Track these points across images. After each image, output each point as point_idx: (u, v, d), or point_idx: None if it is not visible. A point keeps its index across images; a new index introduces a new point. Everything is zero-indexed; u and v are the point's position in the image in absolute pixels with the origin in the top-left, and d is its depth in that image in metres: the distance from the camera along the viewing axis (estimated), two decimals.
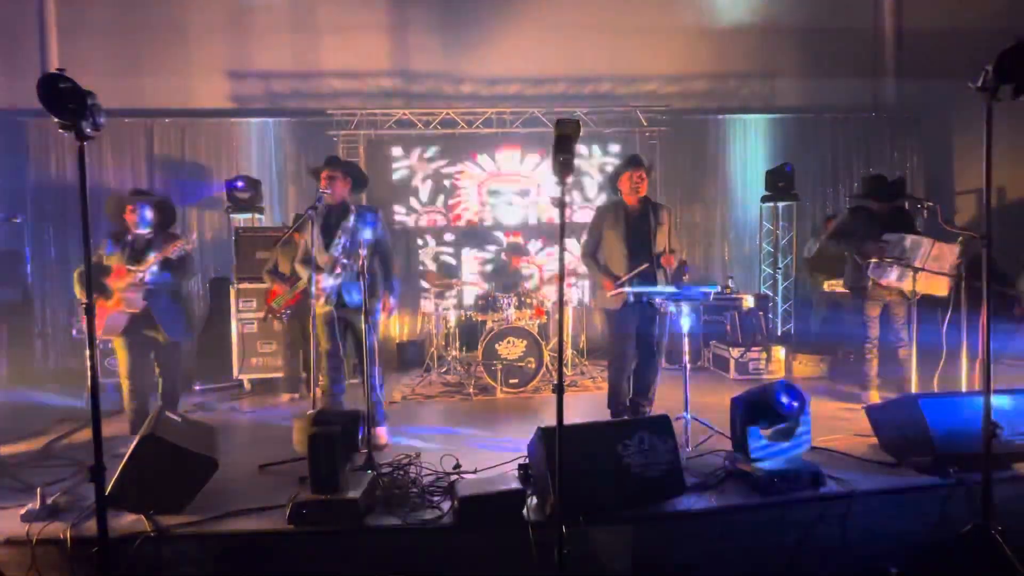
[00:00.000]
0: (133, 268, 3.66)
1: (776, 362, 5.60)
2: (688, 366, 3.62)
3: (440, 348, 6.09)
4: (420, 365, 6.25)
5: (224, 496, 2.81)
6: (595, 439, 2.70)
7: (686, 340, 3.63)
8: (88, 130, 2.06)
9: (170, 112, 7.01)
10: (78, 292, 3.76)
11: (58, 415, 4.37)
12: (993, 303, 2.40)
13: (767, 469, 2.77)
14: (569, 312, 6.29)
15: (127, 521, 2.57)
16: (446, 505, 2.68)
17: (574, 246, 6.98)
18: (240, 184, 6.24)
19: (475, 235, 7.36)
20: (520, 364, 5.11)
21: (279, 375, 5.44)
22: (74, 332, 5.86)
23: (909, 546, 2.69)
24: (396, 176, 7.30)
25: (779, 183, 6.73)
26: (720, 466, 3.03)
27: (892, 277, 4.04)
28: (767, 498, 2.73)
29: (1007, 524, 2.32)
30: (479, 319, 5.71)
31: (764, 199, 6.95)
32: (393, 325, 7.13)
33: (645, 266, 3.70)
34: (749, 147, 7.52)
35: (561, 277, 2.27)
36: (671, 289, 3.65)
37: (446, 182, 7.32)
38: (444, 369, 5.92)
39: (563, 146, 2.08)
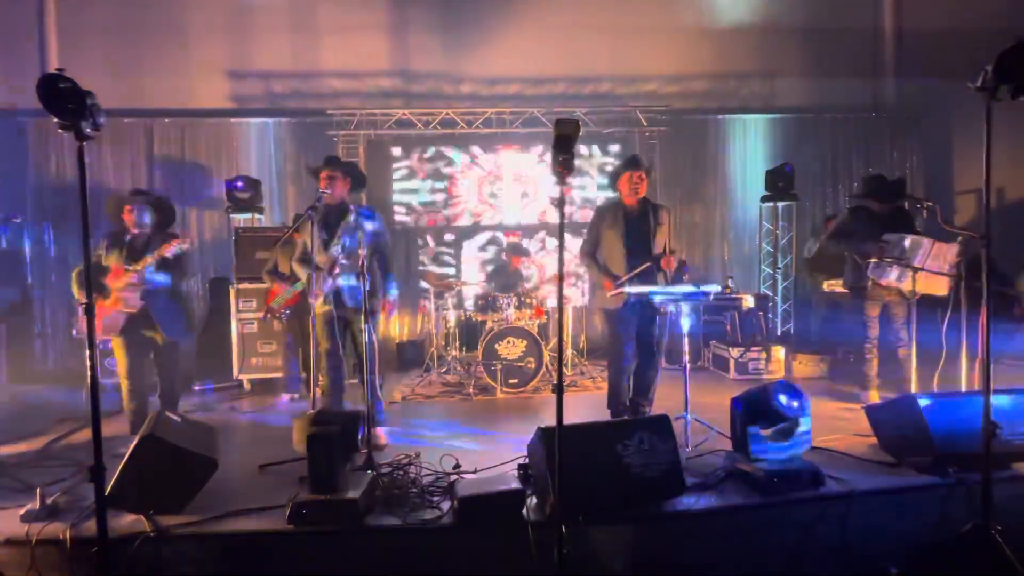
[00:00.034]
0: (130, 267, 3.66)
1: (776, 362, 5.60)
2: (688, 366, 3.62)
3: (440, 348, 6.09)
4: (420, 365, 6.26)
5: (224, 496, 2.81)
6: (595, 439, 2.70)
7: (686, 340, 3.63)
8: (88, 130, 2.06)
9: (170, 112, 7.01)
10: (76, 292, 3.75)
11: (58, 415, 4.37)
12: (993, 303, 2.40)
13: (767, 469, 2.77)
14: (569, 312, 6.29)
15: (127, 521, 2.57)
16: (446, 505, 2.68)
17: (574, 246, 6.98)
18: (240, 184, 6.24)
19: (475, 235, 7.36)
20: (520, 364, 5.11)
21: (279, 375, 5.44)
22: (74, 332, 5.86)
23: (909, 546, 2.69)
24: (396, 176, 7.30)
25: (779, 183, 6.73)
26: (720, 466, 3.03)
27: (892, 277, 4.04)
28: (767, 498, 2.72)
29: (1007, 524, 2.33)
30: (479, 319, 5.71)
31: (764, 199, 6.95)
32: (393, 325, 7.13)
33: (648, 264, 3.70)
34: (749, 147, 7.52)
35: (561, 277, 2.27)
36: (671, 289, 3.65)
37: (446, 182, 7.32)
38: (444, 369, 5.92)
39: (563, 146, 2.08)
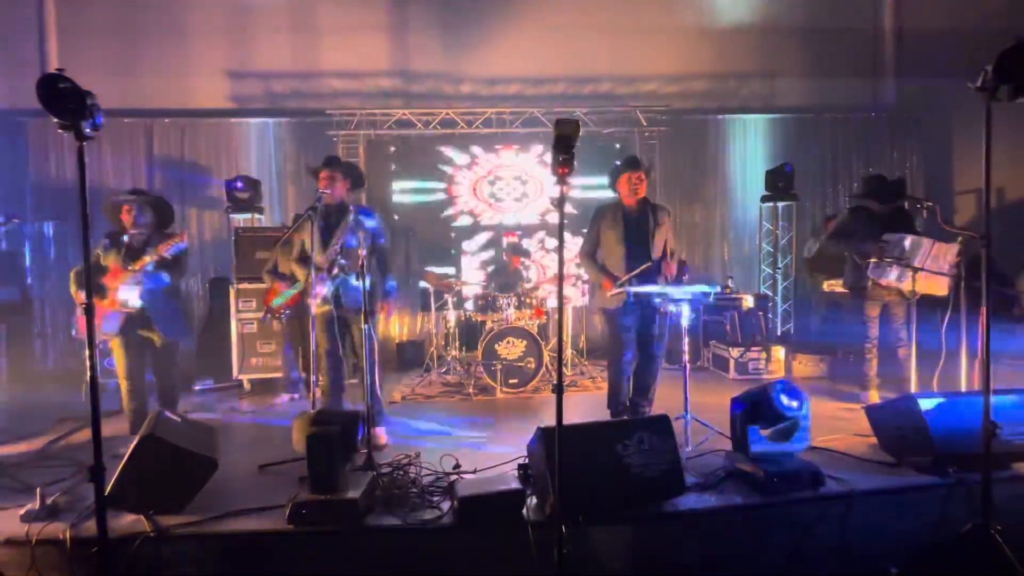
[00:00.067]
0: (128, 267, 3.66)
1: (776, 362, 5.60)
2: (688, 366, 3.62)
3: (440, 348, 6.09)
4: (420, 365, 6.26)
5: (224, 496, 2.81)
6: (595, 439, 2.70)
7: (686, 340, 3.63)
8: (87, 130, 2.06)
9: (170, 112, 7.01)
10: (74, 292, 3.74)
11: (58, 415, 4.37)
12: (993, 303, 2.40)
13: (767, 469, 2.77)
14: (569, 312, 6.29)
15: (127, 521, 2.57)
16: (446, 505, 2.68)
17: (574, 246, 6.97)
18: (240, 184, 6.24)
19: (475, 235, 7.36)
20: (520, 364, 5.11)
21: (279, 375, 5.44)
22: (73, 332, 5.86)
23: (909, 546, 2.69)
24: (395, 176, 7.29)
25: (779, 183, 6.73)
26: (720, 466, 3.03)
27: (892, 277, 4.04)
28: (767, 498, 2.72)
29: (1007, 524, 2.33)
30: (479, 319, 5.71)
31: (764, 199, 6.95)
32: (393, 325, 7.13)
33: (649, 264, 3.70)
34: (749, 147, 7.52)
35: (560, 276, 2.27)
36: (671, 289, 3.65)
37: (445, 182, 7.32)
38: (444, 369, 5.92)
39: (563, 146, 2.08)
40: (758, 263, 7.43)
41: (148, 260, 3.64)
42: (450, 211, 7.34)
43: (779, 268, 7.26)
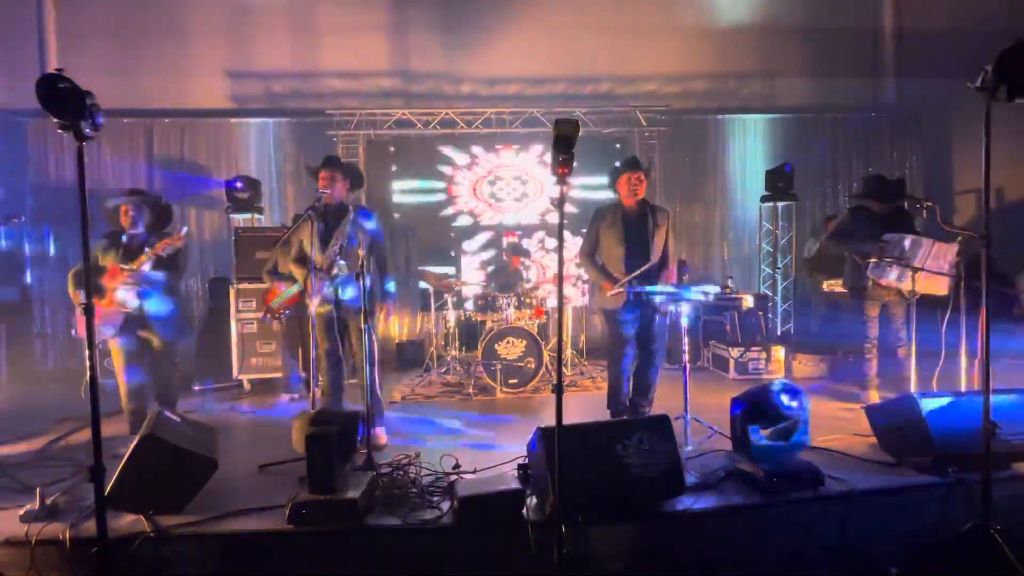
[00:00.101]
0: (126, 267, 3.65)
1: (776, 362, 5.60)
2: (688, 366, 3.62)
3: (440, 348, 6.09)
4: (420, 365, 6.26)
5: (224, 496, 2.81)
6: (594, 439, 2.69)
7: (686, 340, 3.63)
8: (87, 130, 2.06)
9: (169, 112, 7.01)
10: (72, 292, 3.73)
11: (58, 415, 4.37)
12: (992, 303, 2.40)
13: (767, 469, 2.77)
14: (569, 312, 6.29)
15: (126, 521, 2.57)
16: (445, 505, 2.68)
17: (575, 246, 6.97)
18: (239, 184, 6.24)
19: (475, 235, 7.36)
20: (520, 364, 5.11)
21: (278, 375, 5.44)
22: (73, 332, 5.85)
23: (909, 546, 2.69)
24: (395, 177, 7.30)
25: (779, 183, 6.73)
26: (720, 466, 3.03)
27: (892, 277, 4.04)
28: (767, 498, 2.72)
29: (1006, 523, 2.33)
30: (478, 319, 5.71)
31: (764, 199, 6.95)
32: (393, 325, 7.12)
33: (649, 265, 3.70)
34: (749, 147, 7.52)
35: (560, 276, 2.27)
36: (671, 289, 3.65)
37: (445, 182, 7.32)
38: (444, 369, 5.92)
39: (562, 146, 2.08)
40: (758, 263, 7.43)
41: (144, 260, 3.63)
42: (450, 211, 7.35)
43: (779, 268, 7.26)
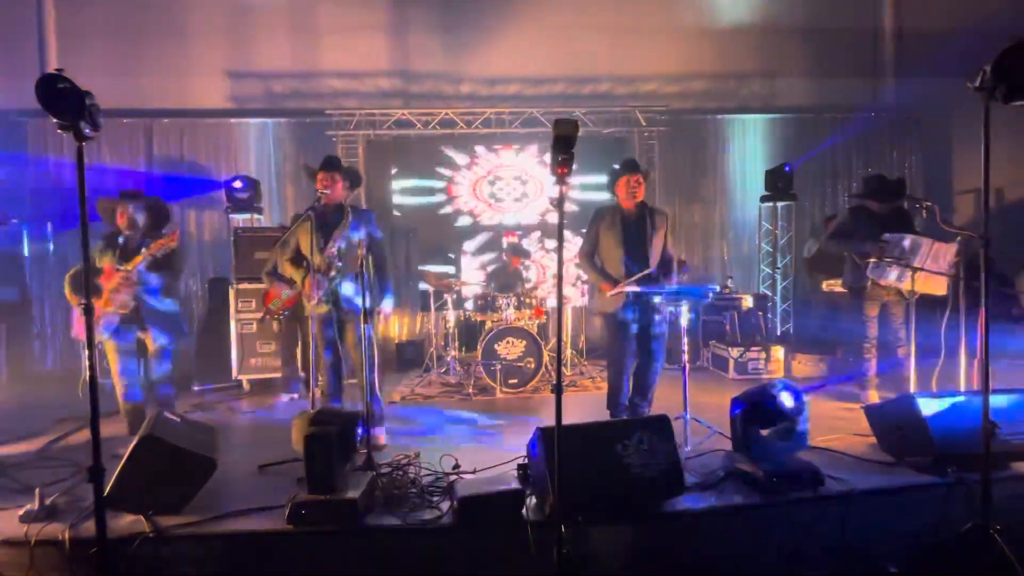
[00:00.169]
0: (121, 268, 3.64)
1: (775, 362, 5.60)
2: (687, 366, 3.62)
3: (439, 348, 6.09)
4: (419, 365, 6.26)
5: (223, 496, 2.81)
6: (594, 439, 2.69)
7: (685, 340, 3.64)
8: (87, 130, 2.06)
9: (169, 112, 7.01)
10: (68, 294, 3.71)
11: (57, 415, 4.37)
12: (992, 303, 2.40)
13: (767, 469, 2.77)
14: (568, 312, 6.29)
15: (126, 522, 2.57)
16: (445, 505, 2.67)
17: (575, 246, 6.98)
18: (239, 184, 6.24)
19: (474, 235, 7.36)
20: (519, 364, 5.11)
21: (278, 375, 5.44)
22: (72, 332, 5.85)
23: (909, 546, 2.69)
24: (395, 177, 7.30)
25: (778, 183, 6.73)
26: (720, 466, 3.03)
27: (891, 277, 4.04)
28: (767, 498, 2.72)
29: (1006, 523, 2.33)
30: (478, 319, 5.71)
31: (763, 199, 6.95)
32: (392, 325, 7.13)
33: (648, 271, 3.71)
34: (748, 147, 7.52)
35: (560, 276, 2.27)
36: (670, 288, 3.65)
37: (445, 182, 7.32)
38: (443, 369, 5.92)
39: (562, 146, 2.08)
40: (757, 263, 7.44)
41: (140, 260, 3.62)
42: (450, 211, 7.34)
43: (778, 268, 7.27)
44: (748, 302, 6.32)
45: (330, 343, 3.70)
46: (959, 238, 3.80)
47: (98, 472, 2.09)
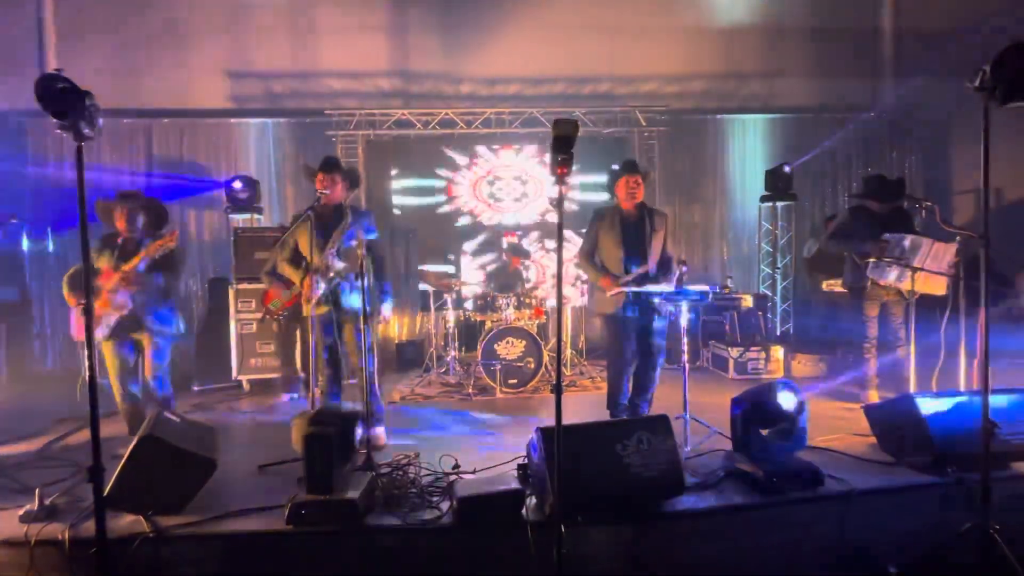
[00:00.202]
0: (119, 269, 3.62)
1: (775, 362, 5.61)
2: (687, 366, 3.62)
3: (439, 348, 6.09)
4: (419, 365, 6.26)
5: (223, 496, 2.81)
6: (594, 439, 2.69)
7: (685, 340, 3.64)
8: (86, 131, 2.06)
9: (169, 112, 7.00)
10: (66, 295, 3.71)
11: (57, 416, 4.36)
12: (991, 303, 2.40)
13: (767, 469, 2.77)
14: (568, 312, 6.29)
15: (126, 522, 2.57)
16: (445, 505, 2.67)
17: (574, 246, 6.97)
18: (239, 184, 6.24)
19: (474, 235, 7.36)
20: (519, 364, 5.11)
21: (278, 375, 5.44)
22: (71, 333, 5.85)
23: (908, 545, 2.68)
24: (395, 177, 7.29)
25: (778, 183, 6.73)
26: (720, 466, 3.03)
27: (891, 277, 4.04)
28: (767, 498, 2.73)
29: (1006, 523, 2.33)
30: (478, 319, 5.71)
31: (763, 199, 6.96)
32: (392, 325, 7.12)
33: (645, 268, 3.71)
34: (748, 147, 7.52)
35: (560, 276, 2.27)
36: (670, 288, 3.65)
37: (445, 182, 7.32)
38: (443, 369, 5.92)
39: (561, 146, 2.08)
40: (757, 263, 7.44)
41: (138, 261, 3.61)
42: (450, 211, 7.34)
43: (778, 268, 7.27)
44: (748, 302, 6.32)
45: (330, 343, 3.70)
46: (959, 238, 3.81)
47: (98, 472, 2.09)
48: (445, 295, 5.95)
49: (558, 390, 2.19)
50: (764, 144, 7.50)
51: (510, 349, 5.11)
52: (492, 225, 7.37)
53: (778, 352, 5.64)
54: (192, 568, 2.47)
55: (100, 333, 3.67)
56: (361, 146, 7.09)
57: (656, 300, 3.71)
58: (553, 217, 7.36)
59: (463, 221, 7.36)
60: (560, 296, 2.34)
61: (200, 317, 6.45)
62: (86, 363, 2.14)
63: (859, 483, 2.82)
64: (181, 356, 5.77)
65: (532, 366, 5.13)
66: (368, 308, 3.34)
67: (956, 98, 6.61)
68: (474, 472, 3.07)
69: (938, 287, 3.95)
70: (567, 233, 7.13)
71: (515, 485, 2.65)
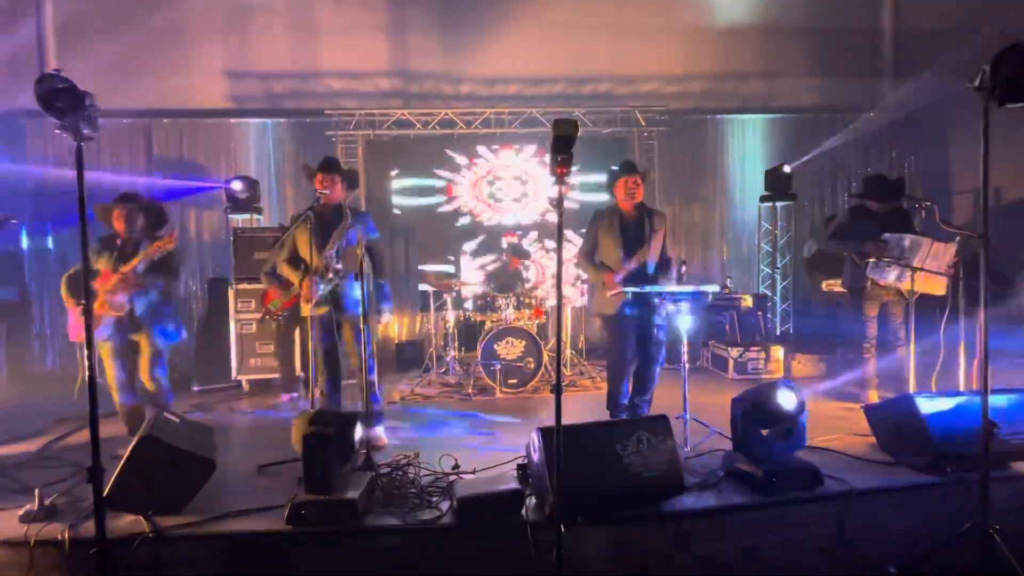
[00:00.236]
0: (118, 270, 3.61)
1: (775, 362, 5.61)
2: (687, 366, 3.62)
3: (439, 348, 6.09)
4: (419, 365, 6.25)
5: (223, 497, 2.81)
6: (594, 439, 2.69)
7: (685, 340, 3.64)
8: (86, 131, 2.06)
9: (169, 112, 7.00)
10: (64, 296, 3.70)
11: (57, 416, 4.36)
12: (991, 302, 2.40)
13: (766, 469, 2.77)
14: (568, 312, 6.29)
15: (125, 522, 2.57)
16: (445, 505, 2.68)
17: (574, 246, 6.97)
18: (239, 184, 6.24)
19: (474, 235, 7.36)
20: (519, 364, 5.12)
21: (277, 376, 5.44)
22: (72, 334, 5.85)
23: (908, 545, 2.69)
24: (395, 177, 7.29)
25: (778, 183, 6.73)
26: (719, 466, 3.03)
27: (891, 277, 4.04)
28: (766, 498, 2.73)
29: (1005, 523, 2.33)
30: (478, 319, 5.71)
31: (763, 199, 6.95)
32: (392, 325, 7.13)
33: (644, 261, 3.72)
34: (748, 147, 7.52)
35: (559, 276, 2.27)
36: (669, 288, 3.66)
37: (445, 182, 7.32)
38: (443, 369, 5.92)
39: (561, 146, 2.08)
40: (757, 263, 7.44)
41: (136, 262, 3.61)
42: (449, 211, 7.34)
43: (778, 268, 7.27)
44: (748, 302, 6.32)
45: (329, 344, 3.70)
46: (958, 238, 3.81)
47: (98, 472, 2.09)
48: (445, 295, 5.95)
49: (558, 390, 2.19)
50: (764, 144, 7.50)
51: (510, 349, 5.11)
52: (492, 225, 7.37)
53: (778, 352, 5.64)
54: (192, 568, 2.47)
55: (99, 334, 3.66)
56: (361, 146, 7.09)
57: (655, 300, 3.71)
58: (553, 217, 7.36)
59: (463, 221, 7.35)
60: (560, 296, 2.34)
61: (200, 317, 6.45)
62: (85, 363, 2.14)
63: (859, 483, 2.82)
64: (181, 356, 5.79)
65: (532, 366, 5.13)
66: (367, 308, 3.34)
67: (955, 98, 6.61)
68: (474, 472, 3.07)
69: (938, 287, 3.95)
70: (567, 233, 7.14)
71: (515, 485, 2.65)
